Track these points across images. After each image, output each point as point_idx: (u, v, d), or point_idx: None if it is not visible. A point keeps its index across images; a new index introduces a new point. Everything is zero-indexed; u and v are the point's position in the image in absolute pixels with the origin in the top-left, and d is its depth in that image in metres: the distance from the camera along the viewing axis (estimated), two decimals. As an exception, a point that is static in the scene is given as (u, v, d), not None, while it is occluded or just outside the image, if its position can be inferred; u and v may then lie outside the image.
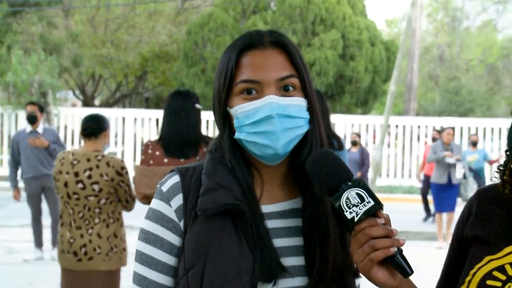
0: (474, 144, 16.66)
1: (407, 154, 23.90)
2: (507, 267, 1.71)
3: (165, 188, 1.89)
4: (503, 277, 1.70)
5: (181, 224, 1.84)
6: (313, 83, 1.94)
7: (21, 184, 10.40)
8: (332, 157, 1.73)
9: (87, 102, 32.92)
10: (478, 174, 15.48)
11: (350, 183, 1.68)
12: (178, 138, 5.04)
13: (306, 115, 1.84)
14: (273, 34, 1.88)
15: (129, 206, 5.70)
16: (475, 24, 51.94)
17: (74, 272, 5.57)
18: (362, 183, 1.67)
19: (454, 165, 12.85)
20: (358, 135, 16.84)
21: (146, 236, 1.88)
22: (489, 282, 1.71)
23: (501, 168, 1.86)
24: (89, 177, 5.44)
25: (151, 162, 5.12)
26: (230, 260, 1.76)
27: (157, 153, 5.13)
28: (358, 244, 1.62)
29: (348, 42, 27.54)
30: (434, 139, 16.81)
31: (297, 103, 1.82)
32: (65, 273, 5.67)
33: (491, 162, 17.16)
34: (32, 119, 10.34)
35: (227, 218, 1.80)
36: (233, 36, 25.97)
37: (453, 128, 13.52)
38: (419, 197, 20.26)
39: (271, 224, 1.85)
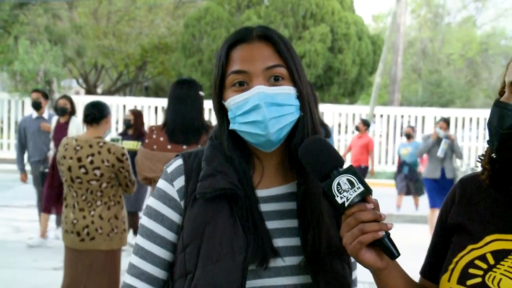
0: (408, 136, 15.05)
1: (391, 142, 23.95)
2: (488, 256, 1.70)
3: (169, 169, 1.93)
4: (484, 266, 1.69)
5: (182, 203, 1.88)
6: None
7: (27, 167, 10.40)
8: (324, 144, 1.72)
9: (90, 90, 32.86)
10: (412, 167, 14.31)
11: (341, 169, 1.67)
12: (182, 125, 5.02)
13: (296, 102, 1.85)
14: (260, 29, 1.90)
15: (129, 190, 5.71)
16: (456, 20, 52.00)
17: (77, 251, 5.59)
18: (352, 170, 1.66)
19: (446, 158, 11.69)
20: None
21: (149, 212, 1.91)
22: (471, 271, 1.70)
23: (481, 157, 1.85)
24: (91, 162, 5.45)
25: (155, 147, 5.11)
26: (224, 240, 1.77)
27: (161, 138, 5.11)
28: (348, 228, 1.63)
29: (337, 36, 27.58)
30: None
31: (285, 92, 1.83)
32: (69, 251, 5.69)
33: (422, 160, 14.87)
34: (36, 106, 10.40)
35: (224, 202, 1.82)
36: (228, 29, 26.10)
37: (445, 121, 12.10)
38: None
39: (266, 207, 1.86)
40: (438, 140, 11.61)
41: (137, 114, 10.15)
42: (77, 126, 9.60)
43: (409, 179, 14.02)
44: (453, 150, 11.80)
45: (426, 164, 12.55)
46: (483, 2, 51.68)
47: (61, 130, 9.59)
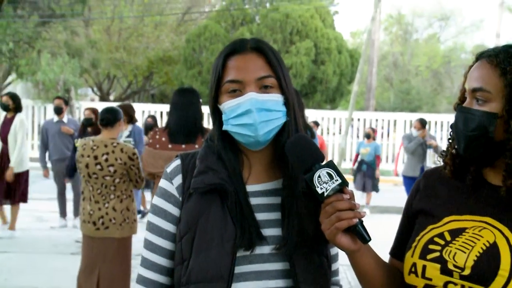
0: (368, 136, 14.10)
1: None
2: (446, 234, 1.72)
3: (169, 170, 1.93)
4: (442, 242, 1.71)
5: (180, 198, 1.88)
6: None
7: (49, 165, 10.42)
8: (307, 142, 1.73)
9: (103, 98, 32.75)
10: (370, 166, 13.69)
11: (322, 164, 1.68)
12: (183, 127, 5.03)
13: (283, 108, 1.84)
14: (254, 41, 1.89)
15: (138, 185, 5.71)
16: (423, 36, 52.10)
17: (93, 238, 5.60)
18: (331, 164, 1.67)
19: (425, 157, 11.50)
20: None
21: (154, 209, 1.92)
22: (431, 246, 1.72)
23: (443, 153, 1.88)
24: (106, 160, 5.46)
25: (157, 146, 5.13)
26: (215, 230, 1.78)
27: (163, 139, 5.12)
28: (327, 215, 1.64)
29: (319, 50, 27.56)
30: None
31: (274, 99, 1.82)
32: (86, 239, 5.70)
33: (377, 157, 14.01)
34: (58, 110, 10.47)
35: (215, 196, 1.82)
36: (224, 44, 25.68)
37: (421, 122, 11.71)
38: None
39: (255, 201, 1.86)
40: (422, 157, 11.46)
41: (97, 112, 9.92)
42: (21, 122, 9.51)
43: (367, 177, 13.61)
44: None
45: (406, 162, 12.27)
46: (446, 21, 51.85)
47: (6, 125, 9.60)
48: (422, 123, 11.78)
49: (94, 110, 9.38)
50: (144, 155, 5.22)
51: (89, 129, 9.39)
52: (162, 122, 22.13)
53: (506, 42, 1.74)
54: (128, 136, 8.55)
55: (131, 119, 8.98)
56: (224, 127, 1.86)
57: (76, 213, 10.20)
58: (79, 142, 5.74)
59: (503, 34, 36.73)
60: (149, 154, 5.14)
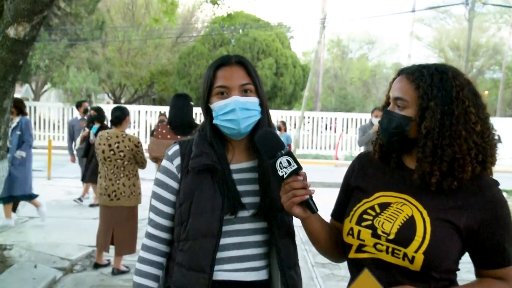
0: (279, 129, 12.89)
1: (315, 134, 24.12)
2: (376, 206, 1.71)
3: (170, 152, 1.93)
4: (373, 213, 1.70)
5: (179, 175, 1.88)
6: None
7: (74, 152, 10.22)
8: (272, 134, 1.73)
9: (116, 101, 32.49)
10: None
11: (283, 152, 1.67)
12: (179, 122, 5.01)
13: (258, 108, 1.88)
14: (237, 57, 1.91)
15: (142, 167, 5.67)
16: (355, 55, 52.45)
17: (108, 207, 5.57)
18: (290, 153, 1.67)
19: None
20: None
21: (158, 182, 1.92)
22: (364, 216, 1.71)
23: (373, 142, 1.87)
24: (118, 147, 5.44)
25: (159, 136, 5.10)
26: (207, 200, 1.79)
27: (164, 131, 5.10)
28: (285, 192, 1.65)
29: (279, 65, 27.64)
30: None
31: (252, 101, 1.85)
32: (102, 208, 5.67)
33: (289, 146, 12.66)
34: (85, 110, 10.34)
35: (207, 174, 1.82)
36: (208, 60, 26.13)
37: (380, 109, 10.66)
38: (321, 161, 20.49)
39: (237, 176, 1.87)
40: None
41: (100, 111, 9.58)
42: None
43: None
44: None
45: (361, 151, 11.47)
46: (372, 44, 52.27)
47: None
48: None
49: (164, 114, 9.27)
50: (150, 144, 5.21)
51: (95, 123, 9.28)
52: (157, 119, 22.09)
53: (415, 61, 1.76)
54: (16, 127, 7.83)
55: (20, 111, 8.39)
56: (214, 121, 1.87)
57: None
58: (99, 134, 5.66)
59: (413, 54, 37.24)
60: (153, 143, 5.13)
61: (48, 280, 5.34)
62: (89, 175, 8.99)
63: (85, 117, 10.23)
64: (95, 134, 8.63)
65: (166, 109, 5.58)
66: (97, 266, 5.90)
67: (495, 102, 34.79)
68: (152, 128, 9.48)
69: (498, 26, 44.30)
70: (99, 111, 9.06)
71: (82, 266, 6.01)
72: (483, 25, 43.62)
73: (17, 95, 27.67)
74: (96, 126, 8.86)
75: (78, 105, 10.61)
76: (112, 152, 5.45)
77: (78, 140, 9.47)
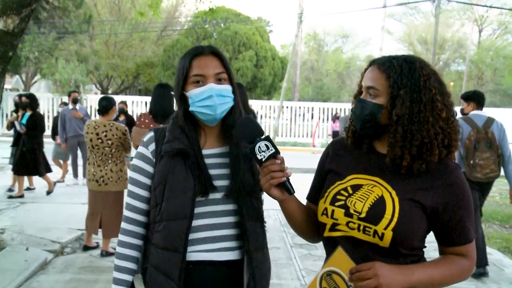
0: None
1: (293, 123, 24.18)
2: (349, 188, 1.72)
3: (145, 139, 1.91)
4: (346, 194, 1.71)
5: (154, 160, 1.86)
6: (238, 80, 1.93)
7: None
8: (252, 121, 1.73)
9: (103, 92, 32.06)
10: None
11: (262, 137, 1.67)
12: (161, 111, 4.92)
13: (231, 95, 1.87)
14: (210, 47, 1.90)
15: (128, 153, 5.63)
16: (331, 49, 52.60)
17: (96, 192, 5.53)
18: (268, 138, 1.67)
19: None
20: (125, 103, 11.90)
21: (134, 168, 1.90)
22: (338, 197, 1.72)
23: (346, 129, 1.88)
24: (106, 136, 5.39)
25: (142, 126, 5.02)
26: (180, 183, 1.78)
27: (147, 120, 5.02)
28: (263, 174, 1.65)
29: (259, 58, 27.58)
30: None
31: (226, 88, 1.85)
32: (90, 192, 5.62)
33: None
34: (75, 101, 10.15)
35: (179, 158, 1.82)
36: (191, 53, 25.95)
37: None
38: (299, 148, 20.52)
39: (209, 161, 1.87)
40: None
41: (126, 104, 9.41)
42: None
43: None
44: None
45: None
46: (346, 38, 52.51)
47: None
48: None
49: (125, 103, 9.15)
50: (133, 133, 5.12)
51: (121, 116, 9.21)
52: (146, 108, 21.84)
53: (386, 54, 1.76)
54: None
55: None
56: (191, 108, 1.85)
57: (84, 174, 9.89)
58: (87, 123, 5.61)
59: (384, 48, 37.44)
60: (137, 132, 5.04)
61: (39, 262, 5.29)
62: (17, 167, 8.58)
63: (77, 107, 10.12)
64: (27, 121, 8.44)
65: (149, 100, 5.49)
66: (86, 248, 5.87)
67: (459, 93, 35.22)
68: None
69: (462, 22, 44.90)
70: (32, 98, 8.77)
71: (72, 249, 5.97)
72: (448, 21, 44.13)
73: (7, 86, 27.21)
74: (28, 113, 8.60)
75: (69, 95, 10.47)
76: (100, 141, 5.40)
77: (5, 123, 9.26)
